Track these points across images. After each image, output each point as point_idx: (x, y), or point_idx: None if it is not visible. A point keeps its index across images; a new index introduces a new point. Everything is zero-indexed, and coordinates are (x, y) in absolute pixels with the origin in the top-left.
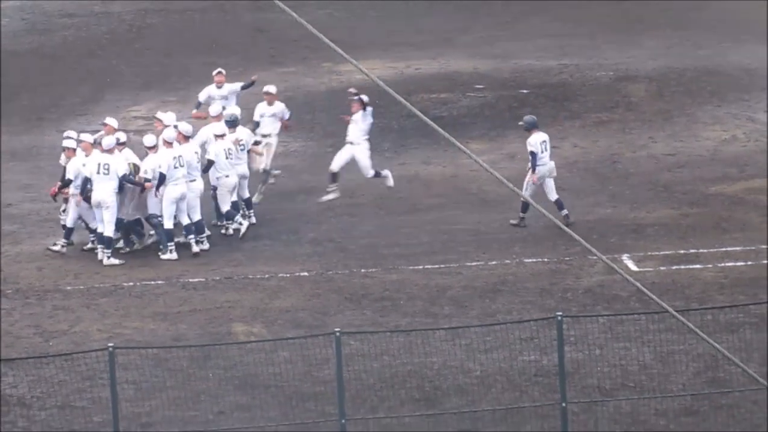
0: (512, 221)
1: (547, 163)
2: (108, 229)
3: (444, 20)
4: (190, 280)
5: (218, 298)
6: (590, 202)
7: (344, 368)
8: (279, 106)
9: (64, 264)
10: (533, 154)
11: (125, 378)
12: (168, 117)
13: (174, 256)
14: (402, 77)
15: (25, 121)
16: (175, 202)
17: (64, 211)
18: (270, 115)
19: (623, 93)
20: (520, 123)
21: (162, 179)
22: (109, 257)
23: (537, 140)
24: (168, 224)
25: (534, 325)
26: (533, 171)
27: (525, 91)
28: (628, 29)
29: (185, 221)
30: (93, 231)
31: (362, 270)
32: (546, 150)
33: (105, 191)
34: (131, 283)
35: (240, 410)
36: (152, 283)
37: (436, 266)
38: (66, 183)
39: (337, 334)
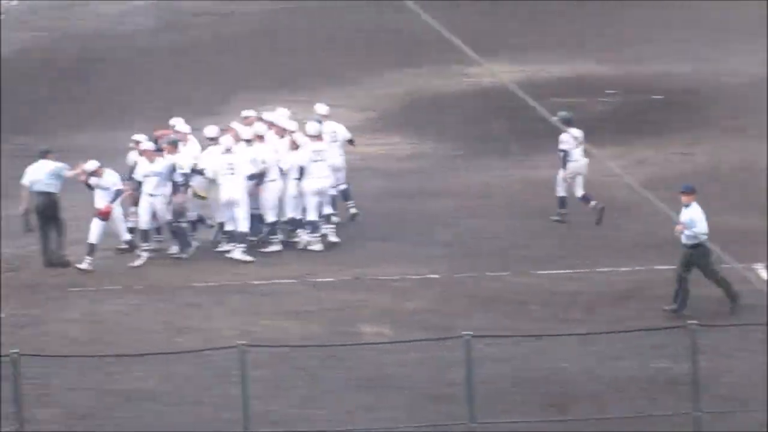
0: (552, 217)
1: (579, 160)
2: (243, 225)
3: (576, 23)
4: (321, 279)
5: (347, 298)
6: (723, 210)
7: (473, 372)
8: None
9: (195, 261)
10: (564, 152)
11: (254, 376)
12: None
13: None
14: (532, 80)
15: (156, 118)
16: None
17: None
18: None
19: (758, 99)
20: (555, 118)
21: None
22: (243, 252)
23: (570, 137)
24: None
25: (665, 332)
26: (564, 167)
27: (657, 96)
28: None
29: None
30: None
31: (492, 273)
32: (579, 147)
33: (234, 189)
34: (261, 282)
35: (368, 411)
36: (283, 281)
37: (566, 271)
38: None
39: (468, 337)
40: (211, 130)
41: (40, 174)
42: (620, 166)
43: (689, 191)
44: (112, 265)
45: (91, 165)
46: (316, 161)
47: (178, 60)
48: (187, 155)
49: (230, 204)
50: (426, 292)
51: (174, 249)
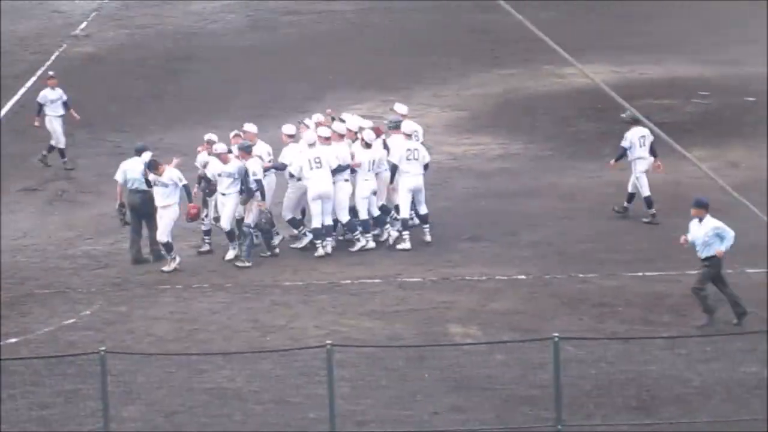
0: (615, 208)
1: (646, 158)
2: (328, 219)
3: (670, 23)
4: (407, 279)
5: (435, 299)
6: None
7: (561, 373)
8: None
9: (282, 260)
10: (623, 149)
11: (341, 375)
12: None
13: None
14: (625, 81)
15: (246, 117)
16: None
17: (206, 216)
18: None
19: None
20: (623, 115)
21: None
22: (324, 246)
23: (635, 135)
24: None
25: (755, 336)
26: (615, 161)
27: (751, 98)
28: None
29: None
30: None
31: (580, 275)
32: (644, 145)
33: (323, 182)
34: (348, 281)
35: (455, 412)
36: (369, 281)
37: (655, 273)
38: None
39: (556, 339)
40: (289, 128)
41: (135, 172)
42: (712, 168)
43: (701, 206)
44: (200, 263)
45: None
46: (410, 159)
47: (268, 59)
48: (256, 160)
49: (320, 197)
50: (514, 293)
51: (230, 253)
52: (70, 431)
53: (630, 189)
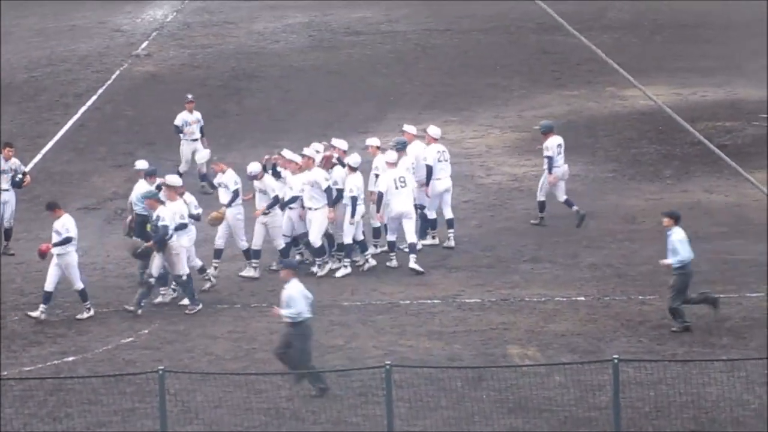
0: (533, 221)
1: (561, 166)
2: (411, 237)
3: (732, 46)
4: (466, 300)
5: (494, 320)
6: None
7: (620, 395)
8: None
9: (343, 280)
10: (549, 158)
11: (399, 395)
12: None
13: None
14: (687, 103)
15: (309, 136)
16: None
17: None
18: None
19: None
20: (536, 127)
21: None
22: (415, 261)
23: (553, 144)
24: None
25: None
26: (549, 172)
27: None
28: None
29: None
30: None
31: (640, 297)
32: (560, 153)
33: (406, 202)
34: (407, 301)
35: None
36: (428, 302)
37: (716, 296)
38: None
39: (615, 361)
40: (374, 141)
41: (135, 195)
42: None
43: (668, 216)
44: (259, 282)
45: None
46: (440, 161)
47: (329, 79)
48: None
49: (401, 216)
50: (573, 315)
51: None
52: None
53: (541, 197)
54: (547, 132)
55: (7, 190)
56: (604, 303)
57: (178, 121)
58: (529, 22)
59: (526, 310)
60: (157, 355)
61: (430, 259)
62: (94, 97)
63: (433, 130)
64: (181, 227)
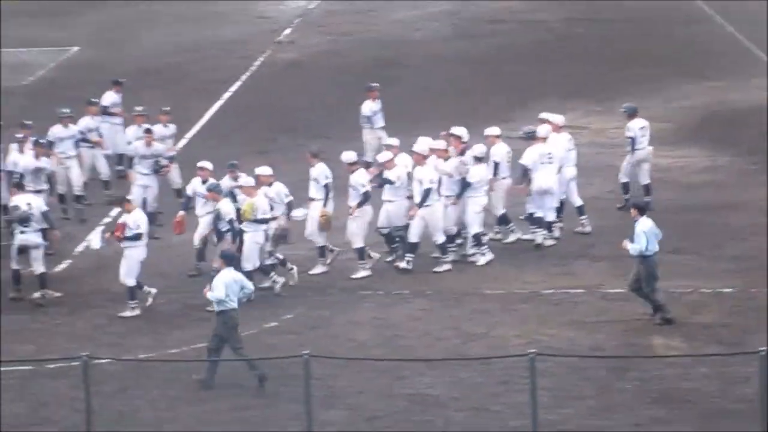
0: (618, 205)
1: (645, 148)
2: (551, 215)
3: None
4: (610, 290)
5: (637, 310)
6: None
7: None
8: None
9: (484, 268)
10: (631, 139)
11: (542, 384)
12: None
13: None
14: None
15: (449, 125)
16: None
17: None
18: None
19: None
20: (622, 110)
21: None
22: (544, 237)
23: (635, 126)
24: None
25: None
26: (632, 153)
27: None
28: None
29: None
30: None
31: None
32: (644, 136)
33: (550, 178)
34: (550, 291)
35: (657, 424)
36: (571, 291)
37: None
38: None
39: (762, 353)
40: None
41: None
42: None
43: (634, 207)
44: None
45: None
46: (543, 163)
47: (471, 67)
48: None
49: (544, 192)
50: (718, 306)
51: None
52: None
53: (623, 179)
54: (631, 114)
55: (147, 174)
56: (749, 295)
57: (366, 110)
58: (674, 11)
59: (671, 301)
60: (301, 339)
61: (573, 249)
62: (238, 84)
63: (558, 119)
64: (258, 222)
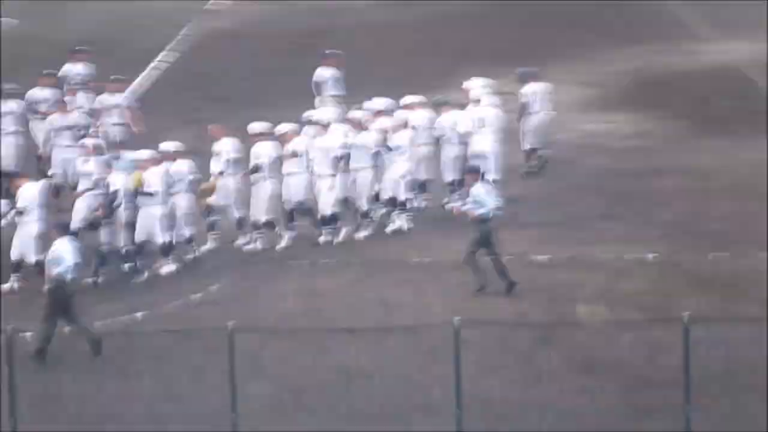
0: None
1: (539, 113)
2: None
3: None
4: (536, 257)
5: (564, 277)
6: None
7: (690, 355)
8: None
9: (410, 237)
10: (523, 104)
11: (466, 357)
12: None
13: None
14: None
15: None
16: None
17: None
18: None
19: None
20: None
21: None
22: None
23: (529, 91)
24: None
25: None
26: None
27: None
28: None
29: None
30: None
31: (711, 255)
32: (536, 101)
33: (485, 142)
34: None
35: (581, 393)
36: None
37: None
38: None
39: (685, 320)
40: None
41: None
42: None
43: (469, 171)
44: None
45: None
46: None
47: (403, 34)
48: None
49: (479, 157)
50: (643, 273)
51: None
52: (197, 407)
53: (526, 147)
54: (524, 79)
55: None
56: (674, 261)
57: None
58: None
59: (596, 268)
60: (227, 311)
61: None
62: (167, 53)
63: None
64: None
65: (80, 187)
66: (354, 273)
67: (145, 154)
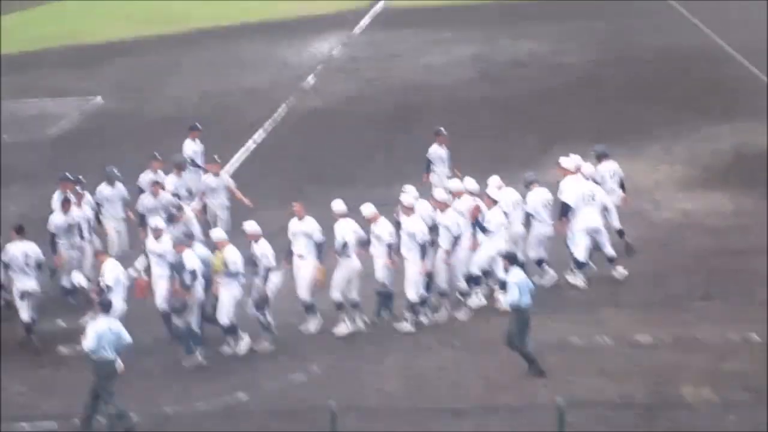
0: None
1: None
2: (609, 250)
3: None
4: (639, 338)
5: (668, 358)
6: None
7: None
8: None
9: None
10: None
11: None
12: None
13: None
14: None
15: (475, 169)
16: None
17: None
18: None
19: None
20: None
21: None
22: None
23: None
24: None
25: None
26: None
27: None
28: None
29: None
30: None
31: None
32: (613, 179)
33: (596, 216)
34: (580, 339)
35: None
36: (599, 339)
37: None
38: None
39: None
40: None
41: None
42: None
43: (506, 257)
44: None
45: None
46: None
47: (497, 111)
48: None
49: (592, 231)
50: (748, 353)
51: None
52: None
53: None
54: (600, 157)
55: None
56: None
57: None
58: (698, 52)
59: (700, 349)
60: (328, 391)
61: (600, 296)
62: (262, 131)
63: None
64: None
65: (154, 268)
66: (455, 352)
67: (222, 234)
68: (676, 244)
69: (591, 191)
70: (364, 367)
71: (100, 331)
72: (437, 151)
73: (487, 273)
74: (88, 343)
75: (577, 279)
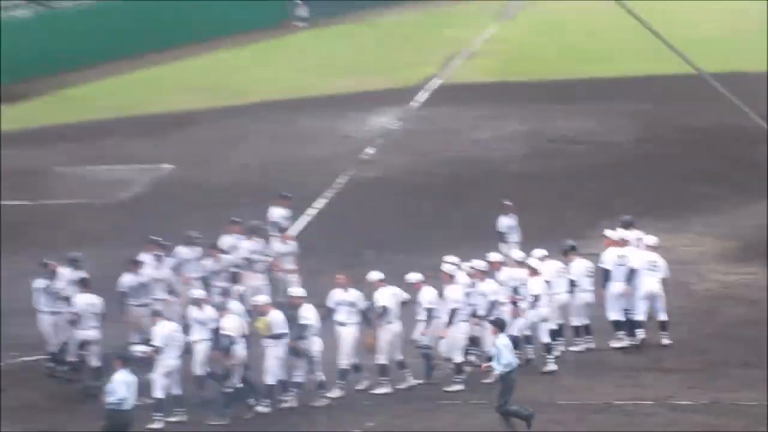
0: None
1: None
2: (663, 315)
3: None
4: (679, 402)
5: (706, 422)
6: None
7: None
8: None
9: (558, 378)
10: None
11: None
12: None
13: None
14: None
15: (527, 241)
16: None
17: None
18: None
19: None
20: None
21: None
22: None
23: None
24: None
25: None
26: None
27: None
28: None
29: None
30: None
31: None
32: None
33: (656, 283)
34: (622, 402)
35: None
36: (642, 402)
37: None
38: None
39: None
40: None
41: None
42: None
43: (494, 324)
44: (477, 377)
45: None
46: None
47: (547, 186)
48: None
49: (651, 297)
50: None
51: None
52: None
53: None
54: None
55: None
56: None
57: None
58: (739, 131)
59: (738, 414)
60: None
61: (643, 361)
62: (323, 200)
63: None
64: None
65: (195, 335)
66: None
67: (265, 298)
68: (715, 314)
69: (654, 260)
70: (415, 425)
71: (128, 381)
72: (504, 221)
73: (528, 338)
74: (120, 393)
75: (622, 341)
